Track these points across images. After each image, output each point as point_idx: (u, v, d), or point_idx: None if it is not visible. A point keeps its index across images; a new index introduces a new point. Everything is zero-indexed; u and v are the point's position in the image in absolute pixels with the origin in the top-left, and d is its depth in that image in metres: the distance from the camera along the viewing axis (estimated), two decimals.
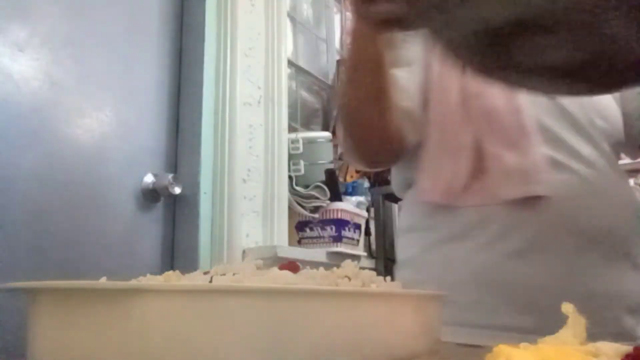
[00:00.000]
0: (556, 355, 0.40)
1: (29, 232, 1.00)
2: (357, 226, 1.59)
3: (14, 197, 0.98)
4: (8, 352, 0.87)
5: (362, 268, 0.65)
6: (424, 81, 0.69)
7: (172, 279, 0.55)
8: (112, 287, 0.44)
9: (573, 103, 0.66)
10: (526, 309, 0.62)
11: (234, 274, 0.56)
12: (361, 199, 1.63)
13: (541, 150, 0.63)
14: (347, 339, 0.47)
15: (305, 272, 0.60)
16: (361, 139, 0.68)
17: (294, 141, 1.53)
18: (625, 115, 0.71)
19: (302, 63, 1.94)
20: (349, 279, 0.60)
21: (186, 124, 1.35)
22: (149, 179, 1.25)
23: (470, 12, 0.38)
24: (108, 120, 1.19)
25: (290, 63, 1.82)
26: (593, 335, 0.36)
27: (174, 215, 1.31)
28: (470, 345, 0.59)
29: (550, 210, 0.62)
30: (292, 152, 1.52)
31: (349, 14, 2.22)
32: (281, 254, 1.31)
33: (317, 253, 1.46)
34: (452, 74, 0.66)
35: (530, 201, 0.62)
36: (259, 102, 1.46)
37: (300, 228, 1.53)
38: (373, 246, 1.79)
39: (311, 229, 1.51)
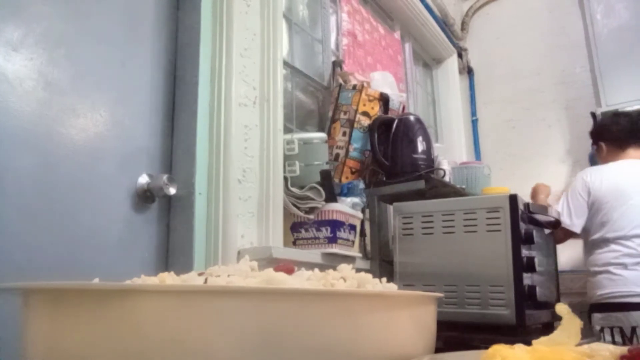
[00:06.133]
0: (551, 356, 0.40)
1: (22, 232, 0.99)
2: (353, 227, 1.59)
3: (7, 197, 0.98)
4: (1, 352, 0.87)
5: (358, 269, 0.65)
6: None
7: (167, 280, 0.54)
8: (106, 287, 0.44)
9: None
10: None
11: (228, 275, 0.56)
12: (356, 200, 1.63)
13: None
14: (342, 340, 0.47)
15: (301, 273, 0.60)
16: None
17: (289, 142, 1.53)
18: None
19: (297, 64, 1.94)
20: (345, 280, 0.60)
21: (181, 125, 1.35)
22: (143, 179, 1.24)
23: None
24: (103, 120, 1.18)
25: (286, 64, 1.82)
26: None
27: (168, 216, 1.30)
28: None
29: None
30: (288, 153, 1.52)
31: (344, 15, 2.22)
32: (276, 255, 1.30)
33: (312, 254, 1.45)
34: None
35: None
36: (254, 103, 1.46)
37: (295, 229, 1.52)
38: (368, 247, 1.79)
39: (306, 230, 1.51)
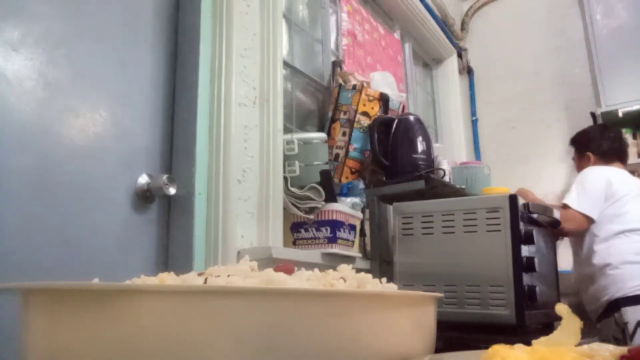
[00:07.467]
0: (551, 356, 0.40)
1: (22, 233, 0.99)
2: (352, 227, 1.59)
3: (7, 197, 0.98)
4: (1, 352, 0.87)
5: (358, 270, 0.65)
6: None
7: (167, 280, 0.54)
8: (106, 287, 0.44)
9: None
10: None
11: (228, 275, 0.56)
12: (356, 200, 1.63)
13: None
14: (342, 340, 0.47)
15: (300, 273, 0.60)
16: None
17: (289, 142, 1.53)
18: None
19: (297, 64, 1.94)
20: (344, 280, 0.60)
21: (181, 125, 1.35)
22: (143, 179, 1.24)
23: None
24: (102, 120, 1.18)
25: (286, 64, 1.82)
26: None
27: (168, 216, 1.30)
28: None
29: None
30: (287, 153, 1.52)
31: (344, 15, 2.22)
32: (276, 255, 1.30)
33: (312, 254, 1.45)
34: None
35: None
36: (254, 103, 1.46)
37: (295, 229, 1.52)
38: (368, 247, 1.79)
39: (306, 230, 1.51)
